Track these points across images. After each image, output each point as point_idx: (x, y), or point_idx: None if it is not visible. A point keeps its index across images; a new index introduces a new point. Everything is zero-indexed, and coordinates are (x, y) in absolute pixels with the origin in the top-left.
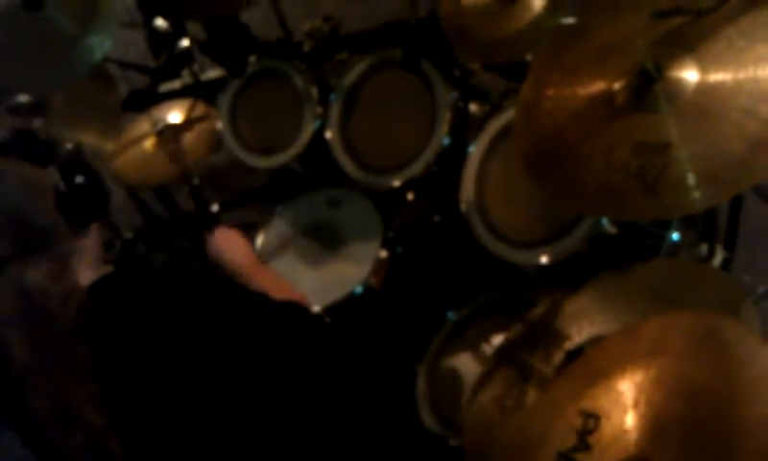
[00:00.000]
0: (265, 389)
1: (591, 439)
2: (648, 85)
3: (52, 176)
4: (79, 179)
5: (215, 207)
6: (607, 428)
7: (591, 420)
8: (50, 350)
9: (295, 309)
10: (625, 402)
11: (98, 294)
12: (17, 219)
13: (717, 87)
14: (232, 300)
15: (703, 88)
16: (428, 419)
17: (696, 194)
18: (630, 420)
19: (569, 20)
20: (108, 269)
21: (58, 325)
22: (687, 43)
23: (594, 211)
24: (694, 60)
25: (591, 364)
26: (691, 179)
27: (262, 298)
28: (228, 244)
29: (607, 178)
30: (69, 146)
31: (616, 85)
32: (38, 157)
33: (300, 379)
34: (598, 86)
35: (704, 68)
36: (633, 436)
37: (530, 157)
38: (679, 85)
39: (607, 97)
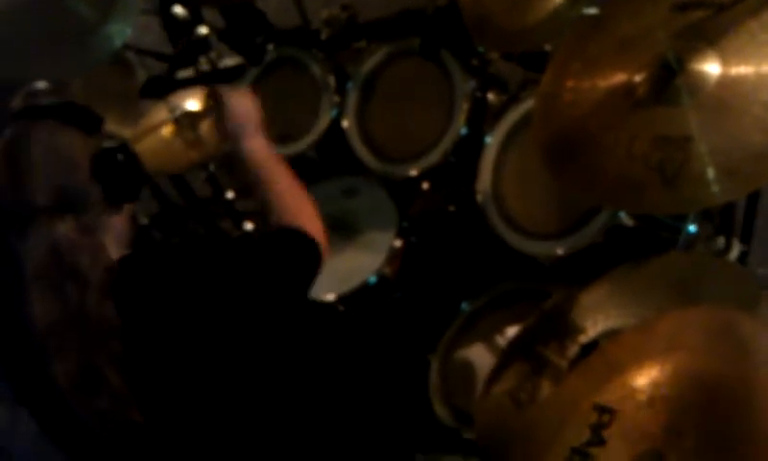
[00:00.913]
0: (278, 368)
1: (606, 433)
2: (670, 78)
3: (95, 146)
4: (120, 156)
5: (230, 194)
6: (622, 423)
7: (606, 414)
8: (78, 305)
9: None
10: (640, 397)
11: (123, 265)
12: (59, 177)
13: (739, 81)
14: (245, 271)
15: (724, 82)
16: (441, 410)
17: (716, 188)
18: (645, 414)
19: (591, 11)
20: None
21: (87, 280)
22: (709, 36)
23: (613, 203)
24: (716, 54)
25: (607, 358)
26: (711, 172)
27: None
28: (239, 102)
29: (627, 169)
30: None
31: (637, 78)
32: (87, 124)
33: (316, 365)
34: (619, 78)
35: (726, 62)
36: (648, 431)
37: (548, 148)
38: (700, 78)
39: (627, 89)
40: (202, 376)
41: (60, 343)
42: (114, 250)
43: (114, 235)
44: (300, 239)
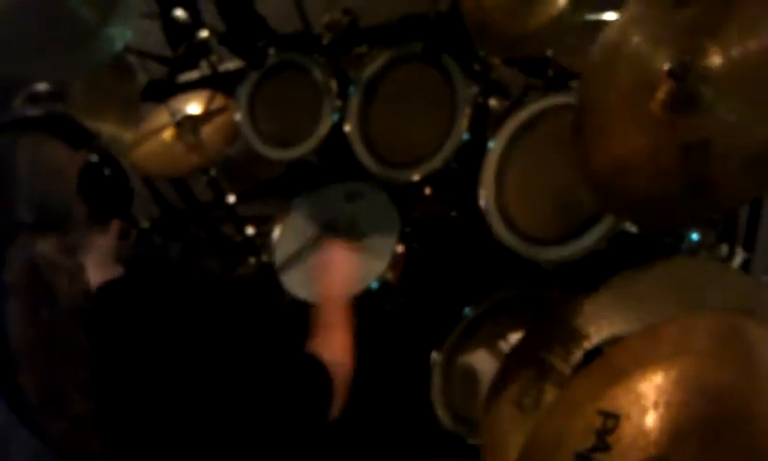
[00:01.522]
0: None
1: (611, 439)
2: (682, 84)
3: (81, 161)
4: (107, 171)
5: (231, 199)
6: (627, 429)
7: (611, 419)
8: (48, 326)
9: (306, 362)
10: (645, 403)
11: (102, 292)
12: (43, 194)
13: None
14: (235, 316)
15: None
16: (444, 416)
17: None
18: (650, 420)
19: (592, 17)
20: (118, 272)
21: (60, 301)
22: (708, 29)
23: (674, 226)
24: (717, 45)
25: (611, 364)
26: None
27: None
28: (338, 268)
29: (658, 185)
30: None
31: (658, 95)
32: (74, 139)
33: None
34: (639, 107)
35: (725, 49)
36: (653, 436)
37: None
38: (707, 73)
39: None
40: (170, 413)
41: (31, 359)
42: (97, 272)
43: (98, 256)
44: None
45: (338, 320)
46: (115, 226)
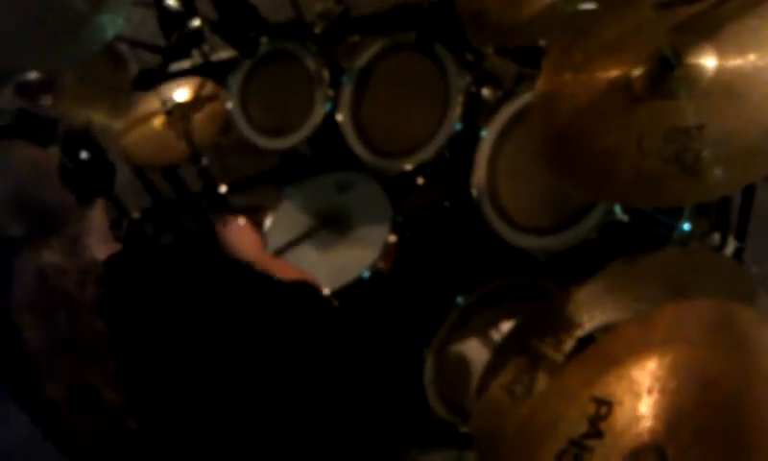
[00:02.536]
0: (272, 369)
1: (604, 425)
2: (668, 72)
3: (55, 155)
4: (83, 154)
5: (223, 189)
6: (620, 415)
7: (604, 406)
8: (69, 329)
9: (303, 287)
10: (639, 390)
11: (113, 269)
12: (26, 200)
13: (737, 68)
14: (241, 278)
15: (723, 69)
16: (436, 405)
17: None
18: (643, 407)
19: (586, 6)
20: (118, 246)
21: (76, 302)
22: (703, 29)
23: (632, 200)
24: (712, 45)
25: (604, 351)
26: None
27: (271, 278)
28: (239, 237)
29: (641, 166)
30: (71, 123)
31: (634, 73)
32: (40, 136)
33: (309, 362)
34: (615, 74)
35: (721, 50)
36: (646, 423)
37: (550, 150)
38: (698, 70)
39: (625, 85)
40: (196, 380)
41: (52, 364)
42: (101, 248)
43: (97, 235)
44: (311, 295)
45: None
46: (101, 202)
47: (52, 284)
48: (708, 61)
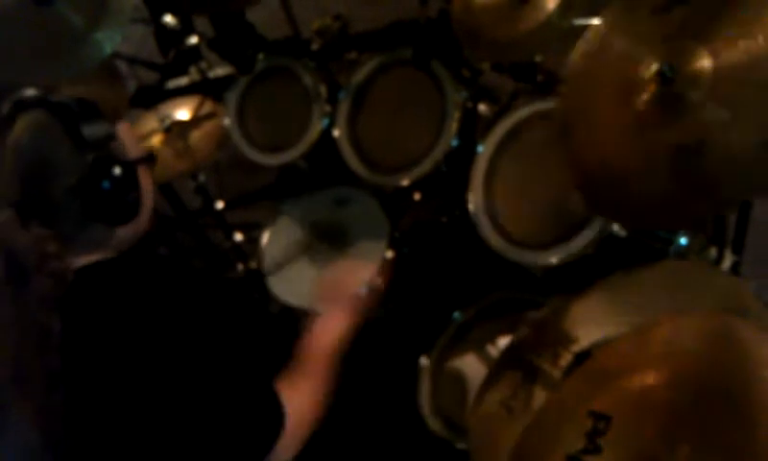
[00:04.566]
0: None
1: (602, 441)
2: (669, 86)
3: (81, 158)
4: (116, 170)
5: (220, 205)
6: (618, 430)
7: (602, 421)
8: (21, 309)
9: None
10: (637, 404)
11: (85, 276)
12: (32, 176)
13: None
14: (217, 315)
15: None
16: (432, 421)
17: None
18: (641, 421)
19: (581, 22)
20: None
21: (33, 287)
22: (695, 32)
23: (667, 226)
24: (705, 47)
25: (602, 365)
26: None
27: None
28: (330, 325)
29: (661, 188)
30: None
31: (642, 98)
32: (79, 134)
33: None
34: (624, 109)
35: (715, 52)
36: (644, 438)
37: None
38: (697, 76)
39: (634, 110)
40: (145, 407)
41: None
42: (84, 259)
43: (94, 255)
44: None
45: (322, 357)
46: (121, 233)
47: (15, 258)
48: (704, 63)
